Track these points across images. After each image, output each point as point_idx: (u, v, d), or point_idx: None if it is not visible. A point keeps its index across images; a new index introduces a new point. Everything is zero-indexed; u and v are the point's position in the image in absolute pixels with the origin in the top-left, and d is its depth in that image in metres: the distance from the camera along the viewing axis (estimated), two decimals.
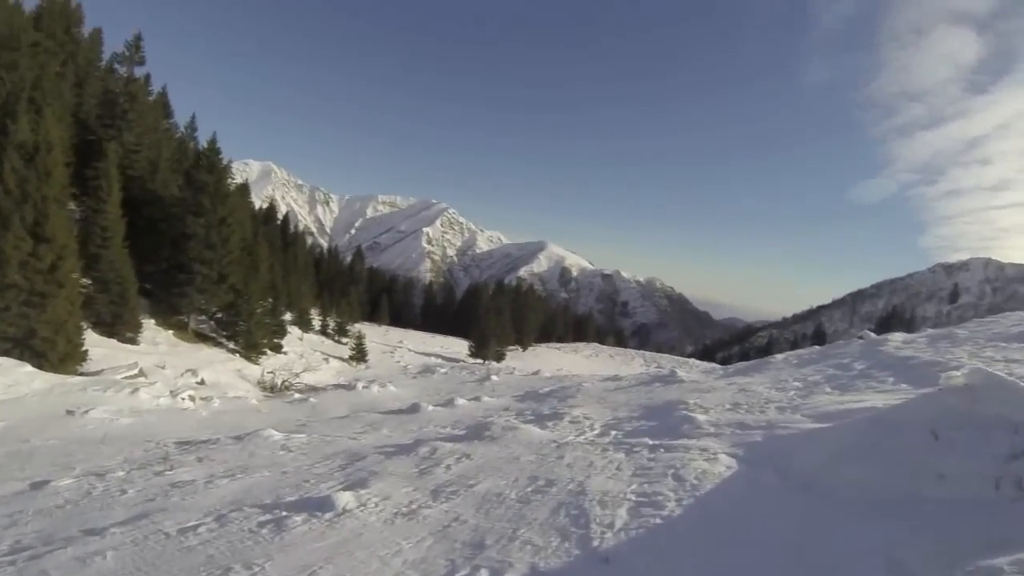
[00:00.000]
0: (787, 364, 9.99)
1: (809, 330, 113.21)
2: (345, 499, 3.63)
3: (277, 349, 22.02)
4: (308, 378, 18.01)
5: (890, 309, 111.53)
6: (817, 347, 11.67)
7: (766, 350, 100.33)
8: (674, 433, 5.36)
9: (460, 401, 10.61)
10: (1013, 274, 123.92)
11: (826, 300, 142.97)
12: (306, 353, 24.29)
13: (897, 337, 9.72)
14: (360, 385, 15.10)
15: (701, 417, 5.84)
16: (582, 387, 11.59)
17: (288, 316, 28.31)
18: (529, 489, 3.93)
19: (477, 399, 11.05)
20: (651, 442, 5.05)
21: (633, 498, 3.55)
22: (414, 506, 3.64)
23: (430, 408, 9.55)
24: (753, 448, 4.48)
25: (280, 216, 43.32)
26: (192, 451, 6.04)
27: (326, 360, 24.15)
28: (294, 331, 27.96)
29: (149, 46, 22.54)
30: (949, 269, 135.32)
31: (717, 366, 12.10)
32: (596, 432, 5.98)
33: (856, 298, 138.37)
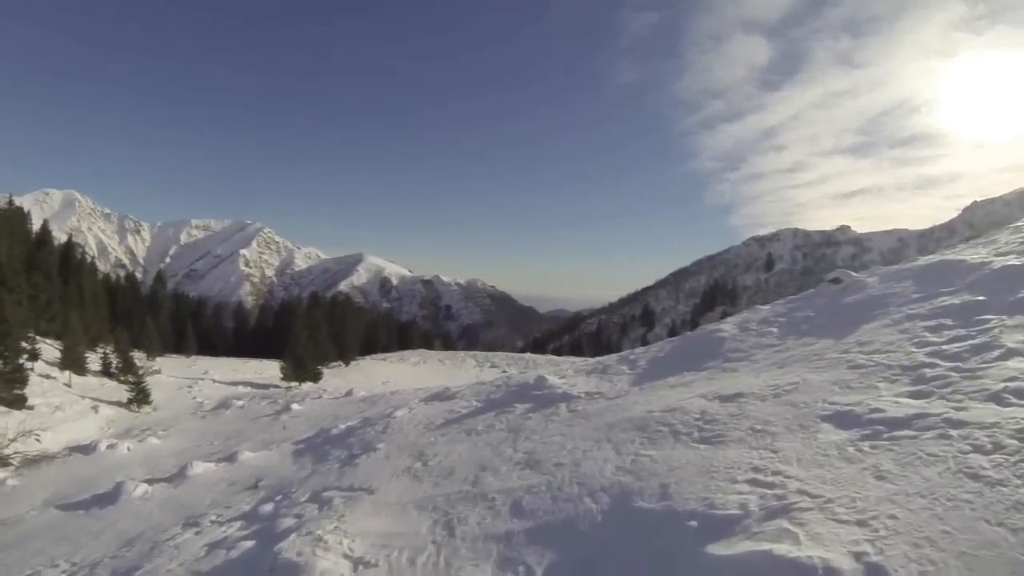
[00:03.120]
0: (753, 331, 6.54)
1: (637, 311, 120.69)
2: None
3: (16, 403, 17.43)
4: (49, 438, 14.26)
5: (712, 282, 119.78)
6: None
7: (597, 336, 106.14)
8: None
9: (236, 457, 8.61)
10: (819, 239, 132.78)
11: (649, 282, 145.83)
12: (66, 403, 19.71)
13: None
14: (104, 445, 12.07)
15: None
16: (393, 420, 8.57)
17: (47, 358, 22.77)
18: None
19: (231, 459, 8.81)
20: None
21: None
22: None
23: (137, 492, 7.18)
24: None
25: (88, 248, 35.58)
26: None
27: (95, 409, 19.89)
28: (57, 376, 22.57)
29: None
30: (762, 241, 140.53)
31: (601, 359, 9.05)
32: None
33: (679, 276, 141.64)
